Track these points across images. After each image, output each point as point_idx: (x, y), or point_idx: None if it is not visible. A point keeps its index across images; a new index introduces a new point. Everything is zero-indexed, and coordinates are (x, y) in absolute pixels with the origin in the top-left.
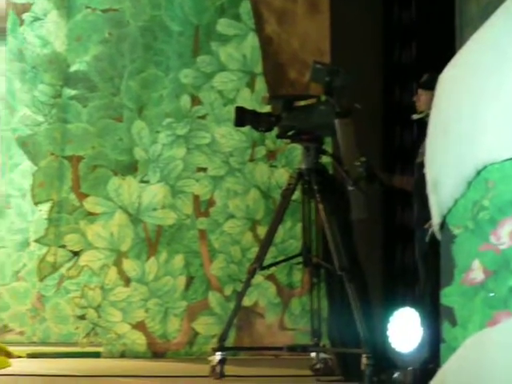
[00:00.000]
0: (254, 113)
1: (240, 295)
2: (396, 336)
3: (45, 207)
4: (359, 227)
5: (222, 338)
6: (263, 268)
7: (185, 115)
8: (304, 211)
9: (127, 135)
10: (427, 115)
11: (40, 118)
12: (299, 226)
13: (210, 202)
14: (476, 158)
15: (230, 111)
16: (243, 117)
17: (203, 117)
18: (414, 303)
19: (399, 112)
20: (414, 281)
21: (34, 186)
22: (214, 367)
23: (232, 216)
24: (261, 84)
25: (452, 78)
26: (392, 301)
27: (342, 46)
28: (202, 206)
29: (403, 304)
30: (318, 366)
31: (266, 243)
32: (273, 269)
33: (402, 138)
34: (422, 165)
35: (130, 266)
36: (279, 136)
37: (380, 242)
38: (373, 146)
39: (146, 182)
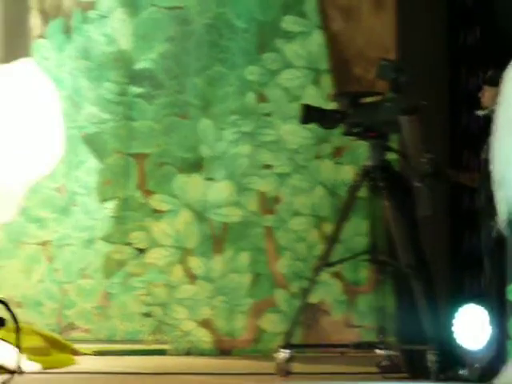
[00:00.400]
0: (320, 110)
1: (306, 292)
2: (462, 333)
3: (110, 205)
4: (425, 223)
5: (288, 335)
6: (329, 265)
7: (250, 112)
8: (370, 208)
9: (192, 133)
10: (492, 111)
11: (106, 116)
12: (365, 223)
13: (276, 199)
14: None
15: (296, 108)
16: (309, 114)
17: (269, 114)
18: (480, 299)
19: (466, 104)
20: (481, 275)
21: (99, 184)
22: (280, 364)
23: (298, 213)
24: (326, 81)
25: None
26: (458, 296)
27: (408, 42)
28: (268, 203)
29: (469, 300)
30: (384, 363)
31: (331, 240)
32: (339, 266)
33: (468, 129)
34: (487, 161)
35: (195, 263)
36: (345, 133)
37: (446, 236)
38: (439, 136)
39: (212, 179)
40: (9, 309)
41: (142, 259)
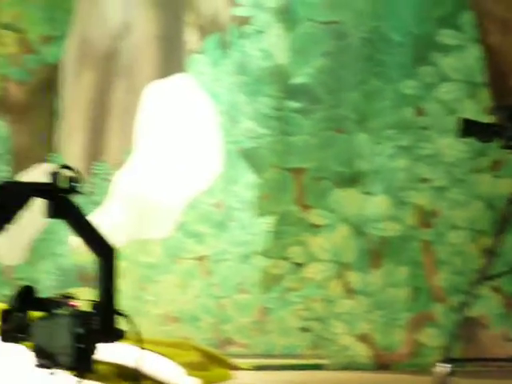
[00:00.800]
0: (478, 123)
1: (464, 306)
2: None
3: (268, 219)
4: None
5: (447, 349)
6: (488, 279)
7: (407, 126)
8: None
9: (349, 147)
10: None
11: (263, 131)
12: None
13: (433, 213)
14: None
15: (453, 122)
16: (468, 128)
17: (426, 128)
18: None
19: None
20: None
21: (257, 199)
22: (438, 379)
23: (455, 227)
24: (483, 94)
25: None
26: None
27: None
28: (425, 217)
29: None
30: None
31: (490, 254)
32: (498, 279)
33: None
34: None
35: (353, 277)
36: (503, 146)
37: None
38: None
39: (369, 193)
40: (130, 321)
41: (300, 274)
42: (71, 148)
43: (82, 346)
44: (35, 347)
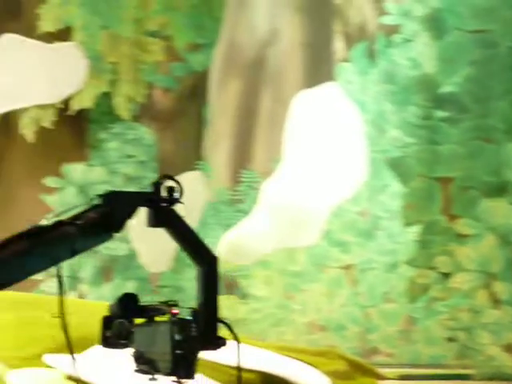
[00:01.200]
0: None
1: None
2: None
3: (414, 229)
4: None
5: None
6: None
7: None
8: None
9: (497, 156)
10: None
11: (409, 140)
12: None
13: None
14: None
15: None
16: None
17: None
18: None
19: None
20: None
21: (403, 208)
22: None
23: None
24: None
25: None
26: None
27: None
28: None
29: None
30: None
31: None
32: None
33: None
34: None
35: (500, 287)
36: None
37: None
38: None
39: None
40: (231, 329)
41: (446, 283)
42: (218, 155)
43: (181, 352)
44: (135, 353)
